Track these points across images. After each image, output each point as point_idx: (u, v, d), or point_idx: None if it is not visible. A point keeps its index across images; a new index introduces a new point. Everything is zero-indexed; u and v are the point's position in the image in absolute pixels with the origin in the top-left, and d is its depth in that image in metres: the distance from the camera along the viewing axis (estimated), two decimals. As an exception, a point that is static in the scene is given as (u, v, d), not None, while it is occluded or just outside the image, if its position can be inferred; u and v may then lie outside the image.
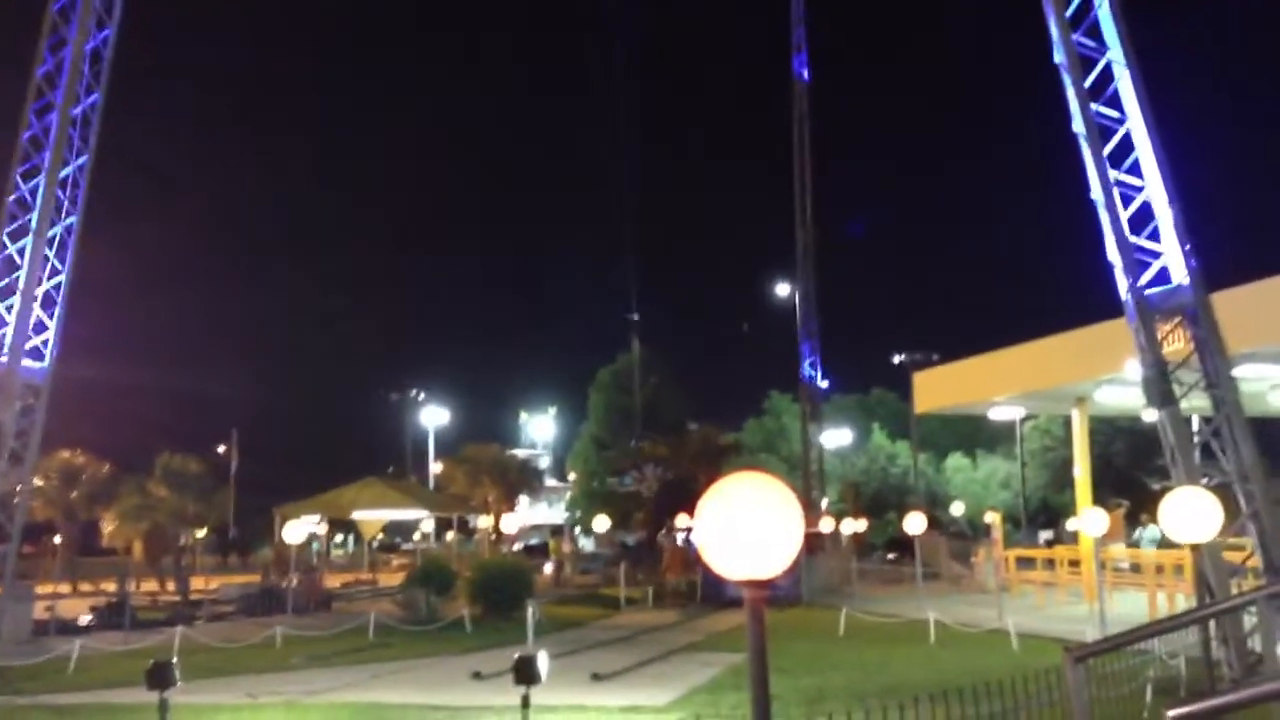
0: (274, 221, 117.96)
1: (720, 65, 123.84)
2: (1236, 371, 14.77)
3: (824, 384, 47.54)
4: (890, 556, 43.89)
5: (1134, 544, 30.19)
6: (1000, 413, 36.38)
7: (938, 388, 34.60)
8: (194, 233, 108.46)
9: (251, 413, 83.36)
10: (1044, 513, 55.03)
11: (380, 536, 59.84)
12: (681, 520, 40.97)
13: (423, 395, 79.25)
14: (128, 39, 19.60)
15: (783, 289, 50.35)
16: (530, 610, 21.26)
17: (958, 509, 52.40)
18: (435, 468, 68.93)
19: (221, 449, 66.64)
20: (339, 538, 72.13)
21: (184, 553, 46.05)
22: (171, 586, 39.80)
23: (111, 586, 35.70)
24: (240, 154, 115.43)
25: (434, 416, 77.89)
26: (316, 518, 39.30)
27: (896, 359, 56.64)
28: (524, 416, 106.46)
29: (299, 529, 29.67)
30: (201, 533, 52.41)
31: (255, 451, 67.31)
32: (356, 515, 40.87)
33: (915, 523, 28.22)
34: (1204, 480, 13.75)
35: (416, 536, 69.27)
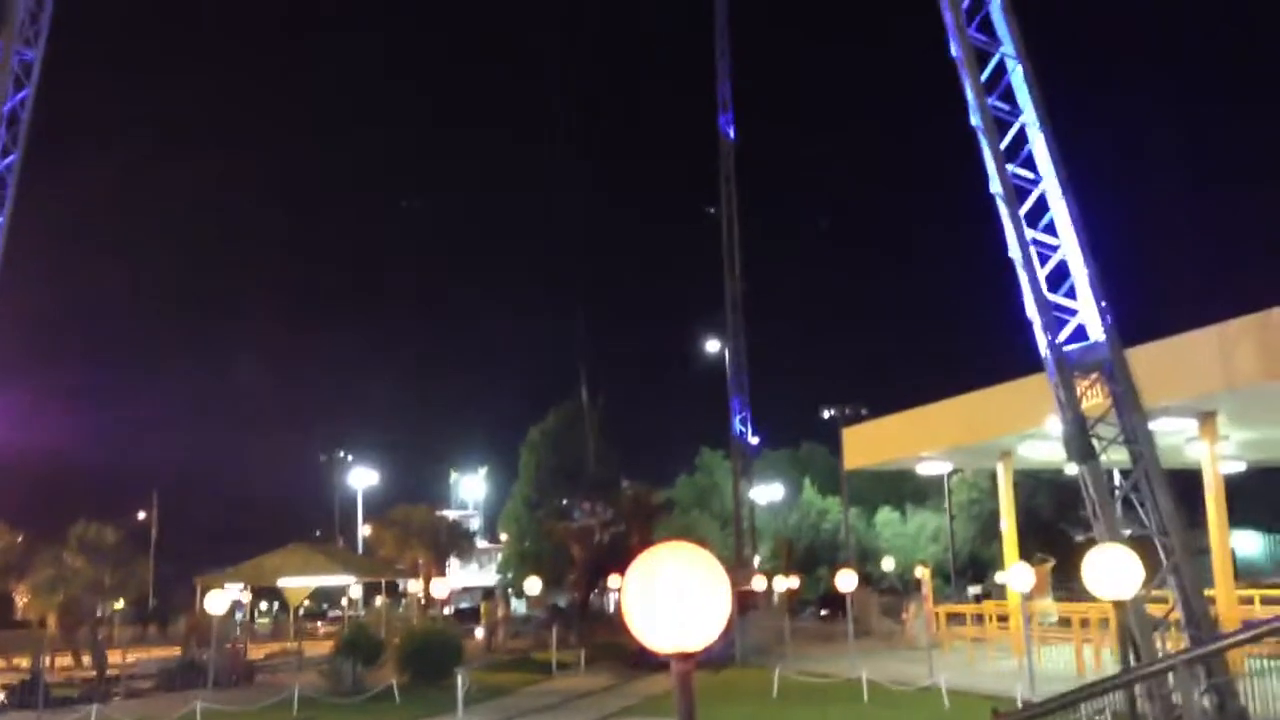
0: (198, 280, 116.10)
1: (655, 122, 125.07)
2: (1153, 425, 15.07)
3: (754, 440, 47.76)
4: (823, 613, 43.94)
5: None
6: (928, 468, 36.77)
7: (866, 443, 34.93)
8: (112, 294, 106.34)
9: (173, 478, 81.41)
10: (973, 565, 55.54)
11: (307, 603, 58.57)
12: (614, 581, 40.70)
13: (351, 457, 78.08)
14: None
15: (713, 345, 50.68)
16: (460, 678, 20.87)
17: (888, 564, 52.70)
18: (364, 530, 67.80)
19: (141, 515, 65.01)
20: (264, 605, 70.49)
21: (101, 625, 44.60)
22: (88, 661, 38.47)
23: (25, 663, 34.41)
24: (161, 208, 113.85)
25: (362, 478, 76.69)
26: (240, 586, 38.38)
27: (826, 413, 57.15)
28: (455, 476, 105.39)
29: (221, 598, 28.90)
30: (119, 604, 50.85)
31: (177, 518, 65.87)
32: (281, 583, 39.98)
33: (846, 580, 28.29)
34: (1125, 533, 13.95)
35: (344, 603, 67.91)
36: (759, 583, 36.90)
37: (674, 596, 4.37)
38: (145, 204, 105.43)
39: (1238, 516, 35.04)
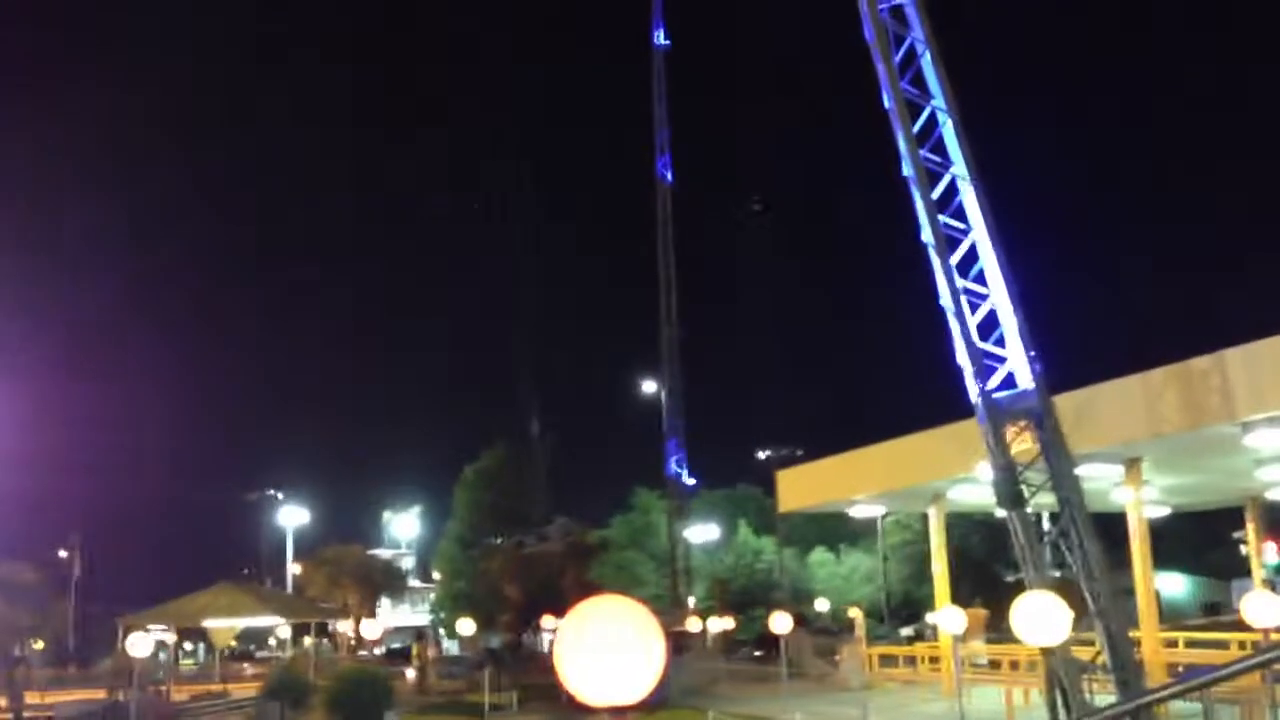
0: (126, 314, 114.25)
1: (593, 166, 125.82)
2: (1080, 471, 15.36)
3: (690, 480, 47.86)
4: (757, 654, 43.91)
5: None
6: (861, 510, 37.06)
7: (800, 486, 35.12)
8: (33, 322, 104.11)
9: (96, 516, 79.53)
10: (906, 607, 55.91)
11: (234, 644, 57.36)
12: (548, 621, 40.39)
13: (281, 495, 76.82)
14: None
15: (650, 385, 50.81)
16: (390, 722, 20.55)
17: (822, 605, 52.86)
18: (294, 569, 66.65)
19: (62, 554, 63.32)
20: (189, 646, 68.87)
21: (18, 666, 43.30)
22: (3, 703, 37.28)
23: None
24: (90, 236, 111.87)
25: (293, 516, 75.43)
26: (164, 627, 37.51)
27: (762, 454, 57.42)
28: (387, 515, 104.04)
29: (144, 640, 28.21)
30: (39, 644, 49.47)
31: (99, 557, 64.15)
32: (207, 623, 39.13)
33: (781, 621, 28.35)
34: (1054, 575, 14.19)
35: (272, 643, 66.61)
36: (694, 623, 36.83)
37: (607, 652, 4.39)
38: (73, 233, 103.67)
39: (1162, 559, 35.80)
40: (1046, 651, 11.32)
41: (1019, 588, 12.38)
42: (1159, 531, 31.42)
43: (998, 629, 32.02)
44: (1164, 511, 34.96)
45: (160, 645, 40.64)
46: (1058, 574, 15.01)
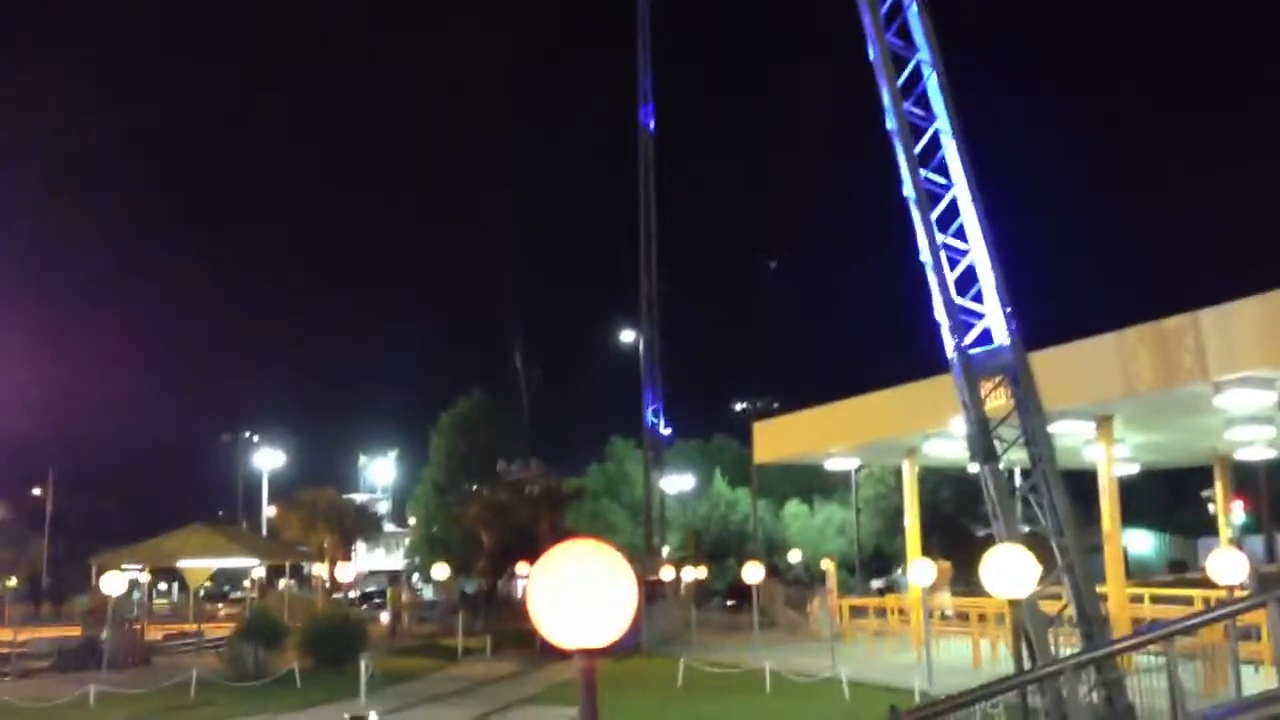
0: (102, 253, 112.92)
1: (578, 111, 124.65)
2: (1053, 428, 15.48)
3: (666, 431, 48.03)
4: (729, 604, 44.37)
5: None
6: (836, 464, 37.32)
7: (776, 438, 35.31)
8: (8, 264, 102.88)
9: (70, 454, 78.96)
10: (877, 559, 56.55)
11: (208, 584, 57.42)
12: (522, 568, 40.61)
13: (257, 437, 76.61)
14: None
15: (627, 335, 50.77)
16: (363, 664, 20.70)
17: (795, 556, 53.40)
18: (269, 512, 66.67)
19: (36, 492, 63.08)
20: (163, 586, 68.94)
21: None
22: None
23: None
24: (75, 187, 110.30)
25: (268, 459, 75.31)
26: (139, 566, 37.51)
27: (738, 406, 57.66)
28: (364, 460, 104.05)
29: (119, 579, 28.22)
30: (12, 582, 49.41)
31: (74, 496, 63.78)
32: (181, 564, 39.16)
33: (753, 572, 28.62)
34: (1024, 530, 14.33)
35: (247, 584, 66.74)
36: (667, 573, 37.15)
37: (579, 593, 4.41)
38: (50, 176, 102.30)
39: (1130, 517, 36.26)
40: (1014, 604, 11.45)
41: (988, 542, 12.51)
42: (1128, 489, 31.79)
43: (966, 583, 32.48)
44: (1134, 469, 35.36)
45: (134, 584, 40.69)
46: (1027, 529, 15.14)
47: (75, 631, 34.19)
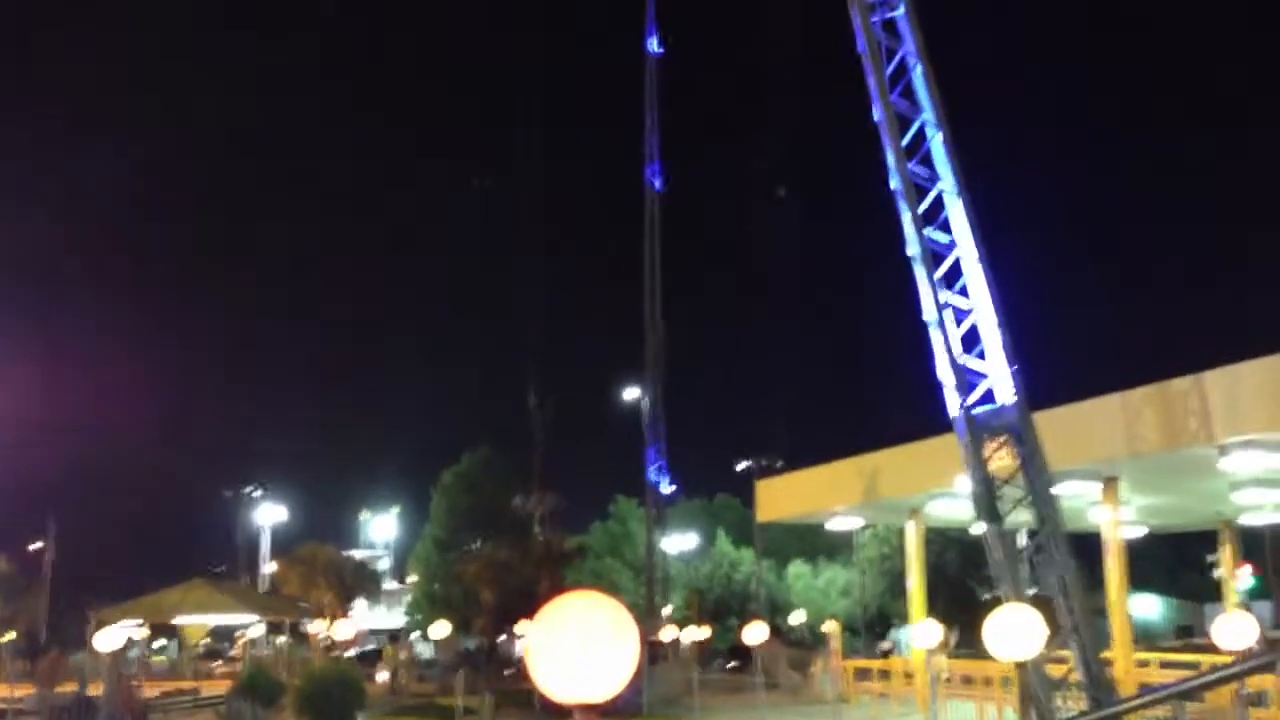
0: (104, 306, 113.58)
1: (587, 171, 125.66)
2: (1058, 489, 15.41)
3: (670, 489, 47.79)
4: (731, 665, 43.86)
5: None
6: (840, 523, 37.05)
7: (779, 497, 35.14)
8: (10, 313, 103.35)
9: (72, 508, 78.69)
10: (882, 621, 55.96)
11: (207, 641, 56.96)
12: (522, 627, 40.23)
13: (258, 492, 76.30)
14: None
15: (631, 393, 50.68)
16: (361, 723, 20.42)
17: (798, 616, 52.88)
18: (270, 568, 66.25)
19: (39, 546, 62.74)
20: (161, 642, 68.31)
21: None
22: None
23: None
24: (77, 230, 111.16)
25: (270, 514, 74.99)
26: (136, 622, 37.17)
27: (740, 466, 57.41)
28: (365, 516, 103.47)
29: (115, 634, 27.93)
30: (9, 636, 48.96)
31: (74, 551, 63.50)
32: (180, 620, 38.84)
33: (756, 632, 28.31)
34: (1029, 592, 14.21)
35: (241, 642, 66.09)
36: (669, 633, 36.77)
37: (579, 646, 4.35)
38: (52, 226, 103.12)
39: (1137, 580, 35.91)
40: (1021, 667, 11.31)
41: (994, 605, 12.41)
42: (1135, 553, 31.51)
43: (972, 645, 32.10)
44: (1140, 532, 35.09)
45: (131, 641, 40.24)
46: (1033, 591, 15.01)
47: (71, 688, 33.77)
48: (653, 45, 48.24)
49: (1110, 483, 23.27)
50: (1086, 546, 22.35)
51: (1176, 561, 57.36)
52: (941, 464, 21.72)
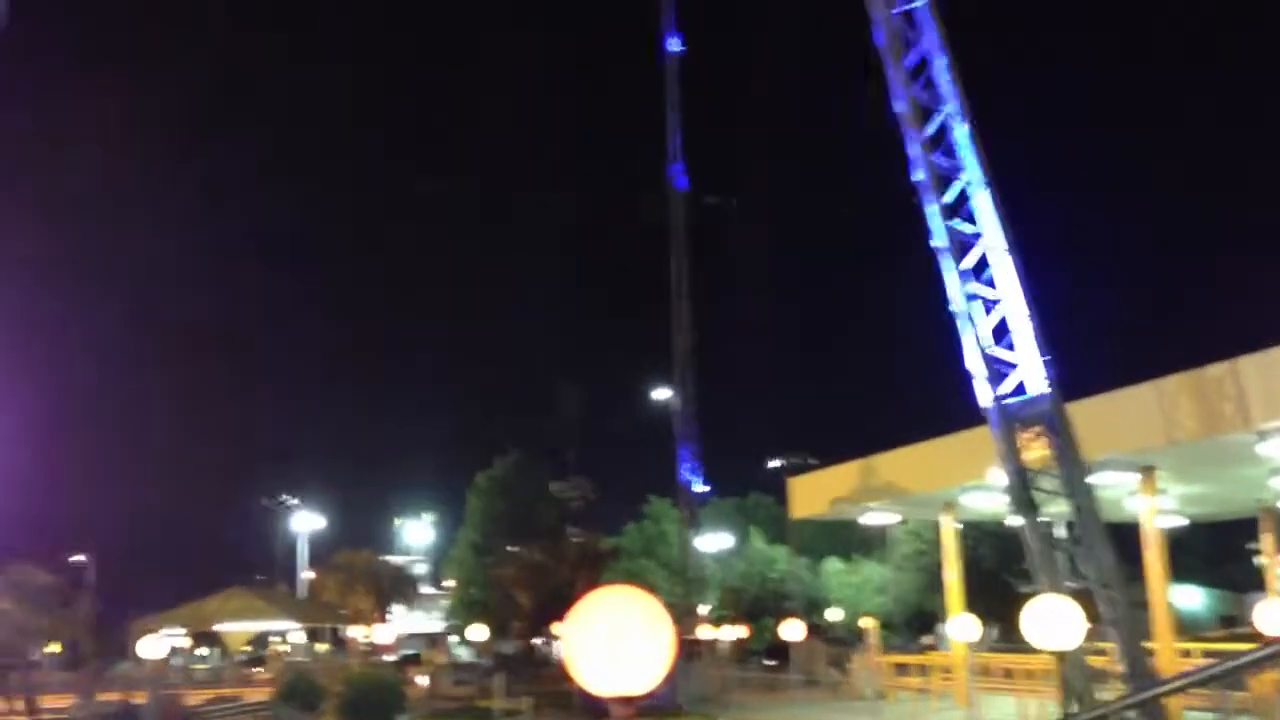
0: (143, 317, 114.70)
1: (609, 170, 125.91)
2: (1094, 478, 15.29)
3: (703, 488, 47.79)
4: (768, 663, 43.79)
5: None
6: (873, 518, 36.91)
7: (813, 494, 35.00)
8: (52, 333, 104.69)
9: (111, 522, 79.79)
10: (919, 617, 55.68)
11: (248, 649, 57.40)
12: (559, 628, 40.34)
13: (296, 500, 77.00)
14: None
15: (663, 393, 50.77)
16: (401, 726, 20.55)
17: (835, 614, 52.71)
18: (307, 575, 66.79)
19: (79, 558, 63.51)
20: (203, 650, 69.00)
21: (32, 669, 43.44)
22: (21, 705, 37.41)
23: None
24: (108, 243, 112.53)
25: (307, 522, 75.63)
26: (179, 630, 37.60)
27: (773, 464, 57.37)
28: (400, 522, 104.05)
29: (157, 643, 28.31)
30: (55, 647, 49.61)
31: (115, 562, 64.30)
32: (220, 627, 39.23)
33: (793, 629, 28.28)
34: (1067, 585, 14.10)
35: (282, 647, 66.57)
36: (705, 631, 36.77)
37: (615, 639, 4.38)
38: (90, 247, 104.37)
39: (1178, 570, 35.56)
40: (1060, 658, 11.25)
41: (1030, 599, 12.33)
42: (1176, 544, 31.20)
43: (1009, 639, 31.89)
44: (1181, 522, 34.71)
45: (173, 649, 40.72)
46: (1072, 584, 14.92)
47: (115, 696, 34.17)
48: (673, 45, 48.26)
49: (1147, 472, 23.05)
50: (1126, 538, 22.13)
51: (1218, 552, 56.72)
52: (975, 456, 21.58)
